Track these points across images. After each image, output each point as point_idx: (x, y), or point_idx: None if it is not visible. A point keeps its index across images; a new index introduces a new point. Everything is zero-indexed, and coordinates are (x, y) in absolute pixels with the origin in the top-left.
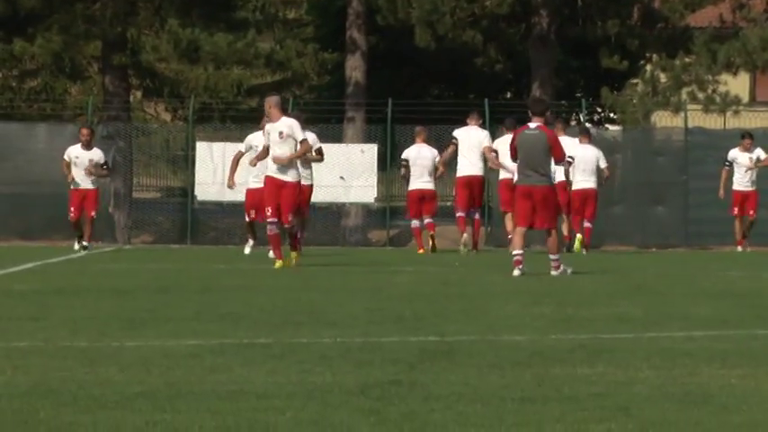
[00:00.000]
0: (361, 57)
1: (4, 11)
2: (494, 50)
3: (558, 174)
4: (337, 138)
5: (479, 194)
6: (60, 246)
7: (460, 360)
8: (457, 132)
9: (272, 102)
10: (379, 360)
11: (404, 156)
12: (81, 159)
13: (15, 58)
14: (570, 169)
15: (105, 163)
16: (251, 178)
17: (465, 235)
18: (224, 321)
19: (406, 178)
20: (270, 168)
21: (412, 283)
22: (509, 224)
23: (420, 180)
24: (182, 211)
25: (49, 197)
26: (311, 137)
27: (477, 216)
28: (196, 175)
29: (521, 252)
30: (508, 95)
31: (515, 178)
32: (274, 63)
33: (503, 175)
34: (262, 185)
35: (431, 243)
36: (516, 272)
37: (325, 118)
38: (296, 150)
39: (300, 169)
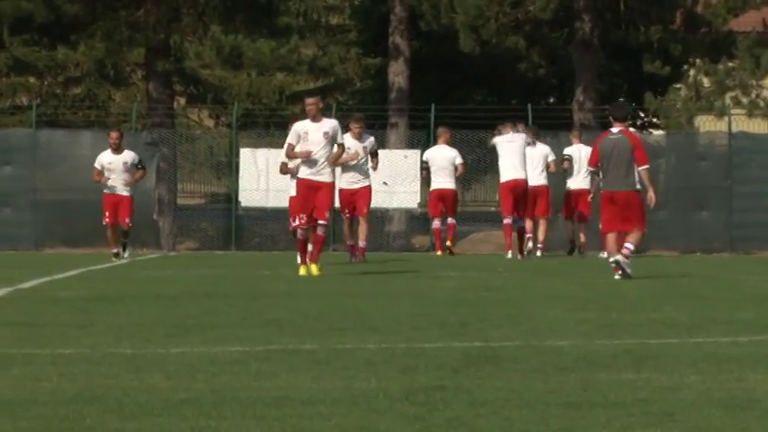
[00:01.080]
0: (403, 62)
1: (48, 18)
2: (537, 55)
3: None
4: (380, 143)
5: (524, 200)
6: (105, 252)
7: (505, 365)
8: (497, 140)
9: (318, 101)
10: (424, 365)
11: (424, 157)
12: (114, 164)
13: (59, 65)
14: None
15: (140, 162)
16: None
17: (526, 242)
18: (269, 327)
19: (428, 180)
20: (303, 171)
21: (456, 289)
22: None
23: (441, 180)
24: (226, 217)
25: (93, 204)
26: (371, 141)
27: (521, 222)
28: (240, 182)
29: (617, 258)
30: (551, 100)
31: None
32: (317, 69)
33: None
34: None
35: (448, 246)
36: (617, 276)
37: (368, 124)
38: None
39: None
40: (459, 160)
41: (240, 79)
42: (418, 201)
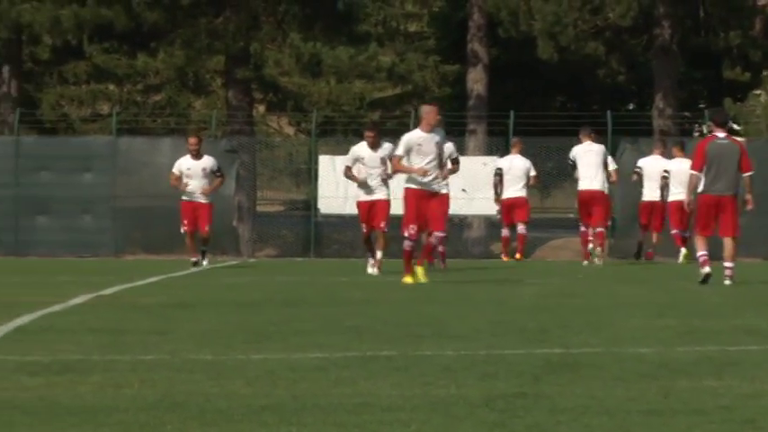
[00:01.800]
0: (482, 69)
1: (128, 25)
2: (616, 62)
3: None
4: (459, 150)
5: (601, 209)
6: (184, 259)
7: (585, 372)
8: (575, 150)
9: (436, 111)
10: (504, 372)
11: (498, 165)
12: (193, 170)
13: (139, 72)
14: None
15: (219, 169)
16: (361, 191)
17: (595, 247)
18: (348, 334)
19: (498, 189)
20: (412, 181)
21: (536, 295)
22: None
23: (512, 189)
24: (305, 224)
25: (172, 211)
26: (450, 146)
27: (600, 229)
28: (319, 189)
29: (705, 252)
30: (631, 107)
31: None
32: (396, 76)
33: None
34: (372, 198)
35: (517, 252)
36: (706, 269)
37: (447, 131)
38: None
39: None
40: (532, 172)
41: (319, 86)
42: (497, 207)
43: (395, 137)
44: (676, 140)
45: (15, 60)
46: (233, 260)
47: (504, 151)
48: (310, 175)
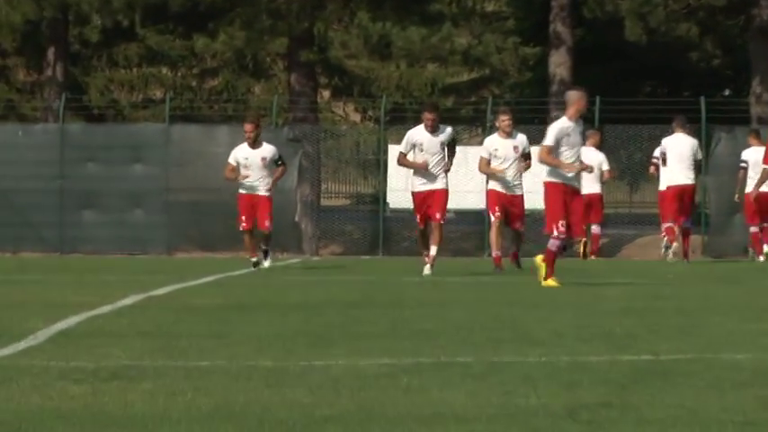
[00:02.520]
0: (566, 52)
1: (183, 5)
2: (710, 44)
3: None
4: (540, 139)
5: (690, 204)
6: (242, 257)
7: (676, 380)
8: (665, 141)
9: (586, 97)
10: (588, 381)
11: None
12: (252, 159)
13: (195, 55)
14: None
15: (280, 158)
16: (416, 181)
17: (675, 244)
18: (419, 338)
19: None
20: (556, 174)
21: (622, 297)
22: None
23: (586, 185)
24: (373, 219)
25: (230, 205)
26: (524, 140)
27: (687, 225)
28: (388, 181)
29: None
30: (726, 93)
31: None
32: (472, 59)
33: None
34: (429, 188)
35: (583, 250)
36: None
37: (527, 118)
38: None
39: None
40: (605, 166)
41: (389, 70)
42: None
43: (469, 125)
44: (753, 128)
45: (62, 42)
46: (295, 258)
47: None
48: (379, 167)
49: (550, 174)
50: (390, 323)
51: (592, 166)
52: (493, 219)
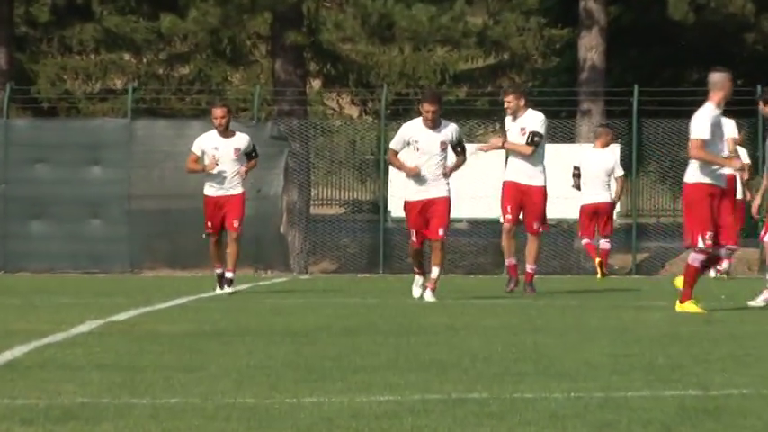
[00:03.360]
0: (598, 33)
1: None
2: None
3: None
4: (569, 136)
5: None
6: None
7: (728, 420)
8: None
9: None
10: (626, 420)
11: (576, 162)
12: (222, 150)
13: (162, 38)
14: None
15: (254, 149)
16: (411, 188)
17: (724, 263)
18: (427, 371)
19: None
20: (708, 173)
21: (666, 322)
22: None
23: (593, 192)
24: (372, 231)
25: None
26: (452, 130)
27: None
28: (390, 186)
29: None
30: None
31: None
32: (488, 42)
33: None
34: (426, 197)
35: (600, 269)
36: None
37: (553, 112)
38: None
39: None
40: (618, 172)
41: (391, 56)
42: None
43: (484, 119)
44: None
45: (5, 23)
46: (280, 276)
47: (626, 137)
48: (378, 169)
49: (695, 173)
50: (393, 353)
51: (748, 162)
52: (502, 221)
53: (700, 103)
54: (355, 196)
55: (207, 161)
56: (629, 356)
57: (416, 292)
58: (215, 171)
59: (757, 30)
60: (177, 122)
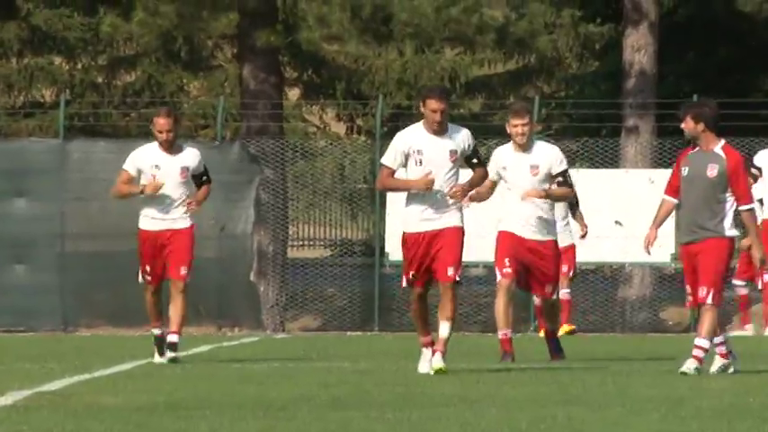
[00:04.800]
0: (648, 30)
1: None
2: None
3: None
4: (611, 158)
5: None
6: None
7: None
8: None
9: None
10: None
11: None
12: (166, 170)
13: (101, 39)
14: None
15: (205, 172)
16: (412, 215)
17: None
18: None
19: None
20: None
21: (732, 391)
22: None
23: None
24: (365, 278)
25: None
26: (464, 136)
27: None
28: (387, 222)
29: None
30: None
31: None
32: (510, 41)
33: None
34: (431, 228)
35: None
36: None
37: (592, 129)
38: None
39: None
40: None
41: (388, 59)
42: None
43: (505, 136)
44: None
45: None
46: (250, 335)
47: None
48: (374, 201)
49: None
50: (392, 430)
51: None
52: (499, 277)
53: None
54: (344, 235)
55: (144, 182)
56: None
57: (424, 367)
58: (156, 190)
59: None
60: (121, 143)
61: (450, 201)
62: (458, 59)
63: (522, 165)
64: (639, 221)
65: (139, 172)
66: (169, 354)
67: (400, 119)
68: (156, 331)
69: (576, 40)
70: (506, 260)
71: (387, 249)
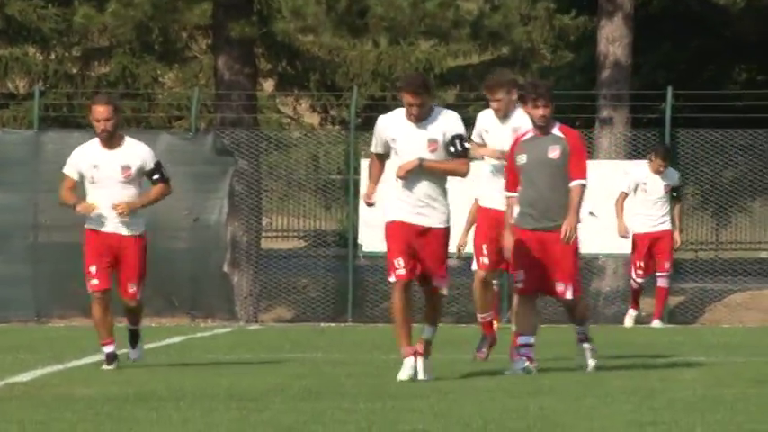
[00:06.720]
0: (623, 22)
1: None
2: None
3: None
4: (587, 147)
5: None
6: (149, 325)
7: None
8: None
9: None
10: None
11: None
12: (105, 169)
13: (76, 30)
14: None
15: (158, 169)
16: (394, 208)
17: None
18: None
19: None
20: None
21: (704, 382)
22: None
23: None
24: (339, 269)
25: None
26: (451, 120)
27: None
28: (361, 213)
29: None
30: None
31: None
32: (485, 33)
33: None
34: (415, 222)
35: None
36: None
37: (567, 119)
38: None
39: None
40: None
41: (362, 51)
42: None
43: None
44: None
45: None
46: (223, 326)
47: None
48: (347, 192)
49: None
50: (364, 422)
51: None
52: (475, 267)
53: (751, 109)
54: (318, 226)
55: (88, 192)
56: (658, 425)
57: (405, 374)
58: (96, 204)
59: None
60: (95, 135)
61: (437, 197)
62: (432, 51)
63: (506, 132)
64: (613, 214)
65: (81, 175)
66: (105, 367)
67: (374, 110)
68: (107, 349)
69: (550, 31)
70: (483, 247)
71: (360, 241)
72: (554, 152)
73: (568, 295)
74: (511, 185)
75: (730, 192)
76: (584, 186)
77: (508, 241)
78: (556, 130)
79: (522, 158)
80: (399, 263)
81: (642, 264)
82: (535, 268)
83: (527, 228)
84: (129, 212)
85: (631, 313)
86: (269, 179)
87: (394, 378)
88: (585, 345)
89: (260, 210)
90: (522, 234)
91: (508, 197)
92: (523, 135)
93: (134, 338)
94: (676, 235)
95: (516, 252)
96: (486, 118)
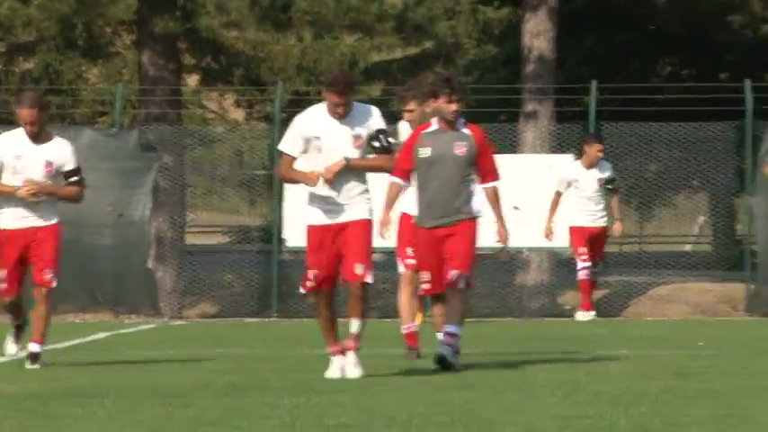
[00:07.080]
0: (547, 16)
1: None
2: (760, 5)
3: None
4: (510, 144)
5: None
6: (73, 321)
7: None
8: None
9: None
10: None
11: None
12: (28, 162)
13: (0, 24)
14: None
15: (77, 170)
16: (315, 209)
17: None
18: None
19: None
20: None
21: (628, 375)
22: None
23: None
24: (263, 264)
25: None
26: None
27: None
28: (285, 208)
29: None
30: None
31: None
32: (409, 27)
33: None
34: (336, 220)
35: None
36: None
37: (491, 113)
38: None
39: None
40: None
41: (287, 45)
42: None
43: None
44: None
45: None
46: (147, 322)
47: (580, 145)
48: (272, 187)
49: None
50: (288, 417)
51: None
52: (401, 269)
53: (676, 102)
54: (242, 221)
55: (5, 174)
56: (583, 419)
57: (334, 372)
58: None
59: (745, 10)
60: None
61: (359, 192)
62: (357, 45)
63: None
64: (537, 207)
65: (3, 164)
66: (29, 366)
67: (299, 105)
68: (33, 348)
69: (475, 25)
70: (408, 250)
71: (284, 236)
72: (460, 149)
73: (462, 285)
74: (402, 174)
75: (654, 185)
76: (497, 188)
77: (385, 219)
78: (462, 127)
79: (425, 151)
80: (313, 274)
81: (585, 249)
82: (440, 268)
83: (428, 227)
84: (37, 194)
85: (586, 315)
86: (193, 174)
87: (319, 373)
88: (446, 348)
89: (184, 205)
90: (424, 234)
91: (394, 182)
92: (425, 127)
93: (17, 332)
94: (617, 225)
95: (420, 254)
96: (403, 128)
